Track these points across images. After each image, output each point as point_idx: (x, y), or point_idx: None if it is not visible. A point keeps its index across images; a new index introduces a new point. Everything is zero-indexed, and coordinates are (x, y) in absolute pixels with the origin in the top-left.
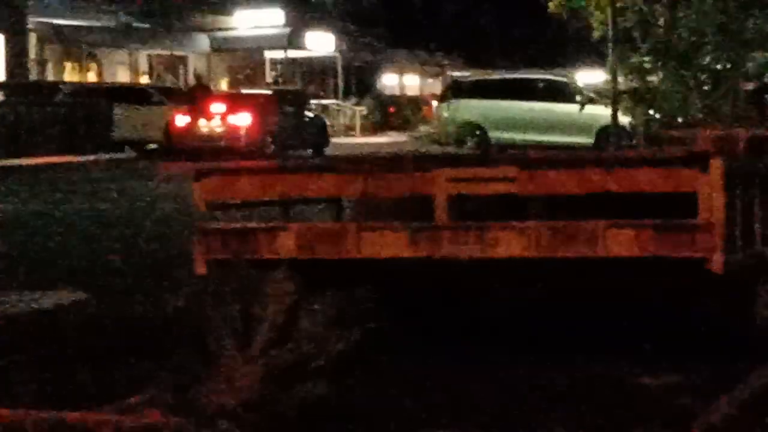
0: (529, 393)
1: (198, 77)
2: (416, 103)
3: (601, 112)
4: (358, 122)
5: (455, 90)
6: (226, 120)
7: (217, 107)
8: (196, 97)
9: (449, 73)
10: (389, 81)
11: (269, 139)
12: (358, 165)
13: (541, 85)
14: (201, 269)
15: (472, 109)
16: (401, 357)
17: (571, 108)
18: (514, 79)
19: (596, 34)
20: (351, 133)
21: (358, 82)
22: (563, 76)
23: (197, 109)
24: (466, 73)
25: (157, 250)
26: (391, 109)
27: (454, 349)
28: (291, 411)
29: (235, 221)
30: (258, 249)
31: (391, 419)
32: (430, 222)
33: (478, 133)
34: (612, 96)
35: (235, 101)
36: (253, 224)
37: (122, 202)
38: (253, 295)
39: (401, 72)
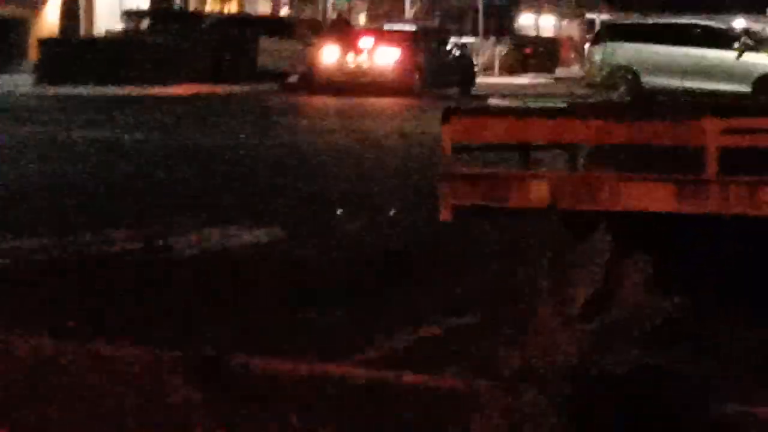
0: None
1: (339, 12)
2: (553, 44)
3: (761, 61)
4: (496, 62)
5: (609, 32)
6: (373, 56)
7: (365, 42)
8: (340, 31)
9: (588, 15)
10: (525, 21)
11: (416, 76)
12: (621, 111)
13: (698, 30)
14: (446, 215)
15: (627, 52)
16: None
17: (728, 55)
18: (671, 24)
19: None
20: (489, 72)
21: (495, 21)
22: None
23: (344, 44)
24: (604, 16)
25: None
26: (528, 50)
27: None
28: (605, 382)
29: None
30: (508, 196)
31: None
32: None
33: (630, 77)
34: None
35: (382, 37)
36: (504, 170)
37: (299, 136)
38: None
39: (537, 12)
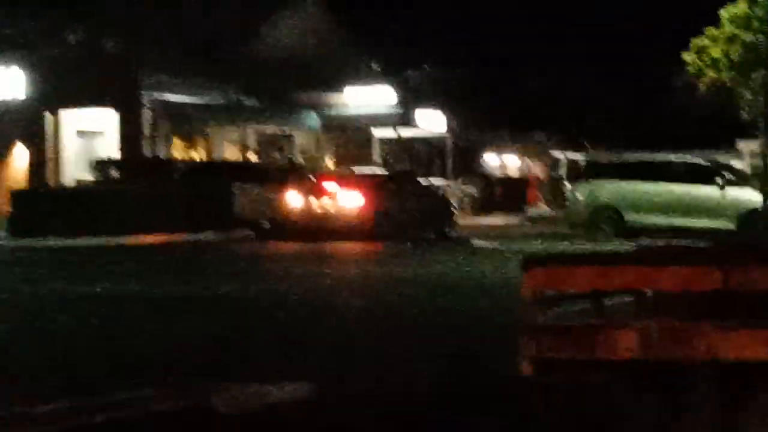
0: None
1: (291, 158)
2: (519, 184)
3: (747, 196)
4: (466, 203)
5: (590, 171)
6: (338, 200)
7: (330, 187)
8: (305, 177)
9: (552, 153)
10: (491, 160)
11: (380, 220)
12: (715, 255)
13: (681, 166)
14: (527, 369)
15: (609, 190)
16: None
17: (712, 190)
18: (653, 161)
19: (746, 115)
20: (460, 214)
21: (463, 161)
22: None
23: (310, 189)
24: (572, 155)
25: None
26: (496, 191)
27: None
28: None
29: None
30: (593, 349)
31: None
32: None
33: (614, 216)
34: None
35: (346, 181)
36: (590, 320)
37: (275, 283)
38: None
39: (502, 151)
